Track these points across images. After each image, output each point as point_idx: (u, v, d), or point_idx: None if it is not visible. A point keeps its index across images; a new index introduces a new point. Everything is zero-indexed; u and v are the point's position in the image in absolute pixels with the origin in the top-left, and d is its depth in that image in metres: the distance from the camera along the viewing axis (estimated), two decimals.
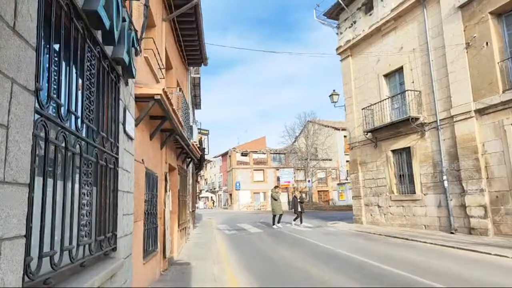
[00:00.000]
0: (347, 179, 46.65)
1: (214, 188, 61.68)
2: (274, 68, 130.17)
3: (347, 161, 47.68)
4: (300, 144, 42.51)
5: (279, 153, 47.06)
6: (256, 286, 6.18)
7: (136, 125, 5.25)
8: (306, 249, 9.94)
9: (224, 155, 53.45)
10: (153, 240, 6.47)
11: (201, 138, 13.51)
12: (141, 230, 5.44)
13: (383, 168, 15.25)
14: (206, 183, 66.97)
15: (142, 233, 5.53)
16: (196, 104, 18.69)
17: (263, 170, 46.03)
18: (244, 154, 46.15)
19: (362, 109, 15.81)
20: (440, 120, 12.34)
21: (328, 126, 45.31)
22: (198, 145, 11.93)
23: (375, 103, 15.15)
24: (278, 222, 16.66)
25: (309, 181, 39.21)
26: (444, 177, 12.09)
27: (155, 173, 6.83)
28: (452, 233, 11.68)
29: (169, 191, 7.99)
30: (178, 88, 8.32)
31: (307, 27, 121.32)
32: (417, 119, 13.09)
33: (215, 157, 58.25)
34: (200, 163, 17.44)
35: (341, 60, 17.99)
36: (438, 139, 12.46)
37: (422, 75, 13.28)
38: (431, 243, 10.07)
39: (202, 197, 63.58)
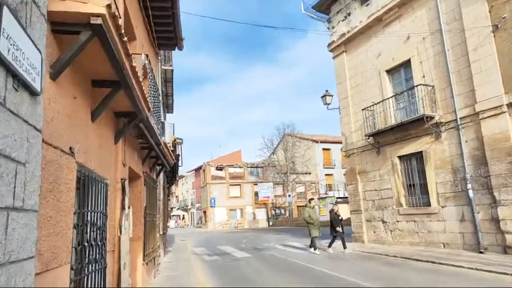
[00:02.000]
0: (326, 193, 44.92)
1: (186, 206, 58.09)
2: (244, 85, 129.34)
3: (326, 174, 46.10)
4: (279, 156, 40.38)
5: (256, 167, 44.64)
6: None
7: (54, 76, 2.72)
8: (320, 281, 7.48)
9: (198, 170, 50.40)
10: None
11: (175, 140, 10.95)
12: (63, 283, 2.83)
13: (388, 177, 13.19)
14: (178, 200, 63.21)
15: None
16: (168, 107, 16.05)
17: (239, 185, 43.35)
18: (219, 168, 43.37)
19: (363, 109, 13.80)
20: (460, 118, 10.45)
21: (307, 139, 43.60)
22: (172, 149, 9.36)
23: (378, 103, 13.18)
24: (314, 246, 12.35)
25: (289, 195, 36.93)
26: (469, 186, 10.10)
27: (104, 179, 4.24)
28: (481, 252, 9.63)
29: (128, 208, 5.36)
30: (143, 56, 5.87)
31: (279, 46, 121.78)
32: (431, 118, 11.17)
33: (188, 172, 55.00)
34: (173, 174, 14.73)
35: (333, 58, 16.06)
36: (458, 141, 10.53)
37: (435, 68, 11.45)
38: (470, 268, 7.90)
39: (173, 215, 59.65)
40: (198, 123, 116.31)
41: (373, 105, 13.29)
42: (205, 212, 43.97)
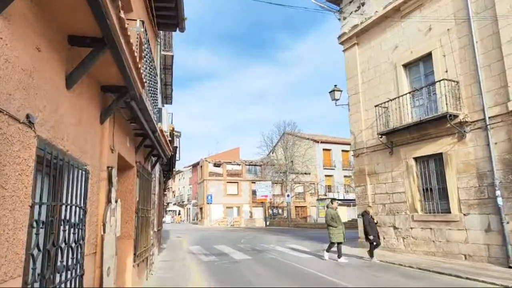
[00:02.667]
0: (326, 195, 44.03)
1: (183, 201, 57.14)
2: (244, 83, 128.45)
3: (326, 175, 45.21)
4: (278, 155, 39.45)
5: (255, 165, 43.71)
6: None
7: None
8: None
9: (195, 165, 49.42)
10: None
11: (173, 130, 9.98)
12: None
13: (402, 180, 12.28)
14: (174, 195, 62.23)
15: None
16: (167, 97, 15.07)
17: (237, 182, 42.41)
18: (217, 165, 42.40)
19: (376, 106, 12.87)
20: (489, 117, 9.53)
21: (308, 139, 42.69)
22: (170, 139, 8.40)
23: (393, 99, 12.25)
24: (339, 254, 10.69)
25: (288, 195, 36.02)
26: (497, 192, 9.19)
27: (83, 164, 3.31)
28: (510, 267, 8.73)
29: (116, 202, 4.41)
30: (139, 22, 4.91)
31: (279, 46, 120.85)
32: (455, 116, 10.25)
33: (185, 167, 54.03)
34: (170, 167, 13.77)
35: (344, 50, 15.12)
36: (486, 143, 9.62)
37: (460, 62, 10.52)
38: (506, 286, 7.00)
39: (169, 211, 58.68)
40: (196, 119, 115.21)
41: (388, 101, 12.35)
42: (201, 208, 43.03)
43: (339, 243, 10.87)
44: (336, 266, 9.85)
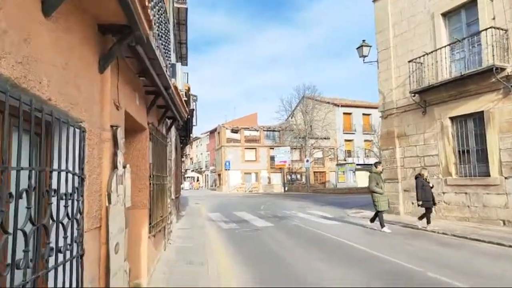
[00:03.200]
0: (345, 160, 43.24)
1: (201, 168, 57.55)
2: (260, 47, 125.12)
3: (345, 140, 44.16)
4: (297, 120, 38.46)
5: (273, 130, 42.94)
6: None
7: None
8: (368, 266, 5.96)
9: (212, 132, 49.10)
10: None
11: (188, 89, 9.24)
12: None
13: (435, 141, 11.34)
14: (192, 162, 62.73)
15: None
16: (182, 57, 14.20)
17: (255, 148, 41.96)
18: (234, 131, 41.87)
19: (409, 61, 11.71)
20: None
21: (328, 102, 41.31)
22: (185, 99, 7.70)
23: (430, 53, 11.06)
24: (382, 223, 9.49)
25: (307, 161, 35.41)
26: None
27: (76, 120, 2.66)
28: None
29: (124, 167, 3.80)
30: None
31: (295, 6, 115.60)
32: (502, 70, 9.09)
33: (202, 134, 53.89)
34: (187, 132, 13.20)
35: (374, 1, 13.71)
36: None
37: (510, 7, 9.20)
38: None
39: (187, 177, 59.42)
40: (211, 85, 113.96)
41: (423, 55, 11.16)
42: (219, 174, 43.13)
43: (381, 211, 9.64)
44: (365, 233, 9.26)
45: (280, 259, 6.54)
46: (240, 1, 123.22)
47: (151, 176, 5.51)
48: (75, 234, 2.55)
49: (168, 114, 7.09)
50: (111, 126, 3.48)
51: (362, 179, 43.32)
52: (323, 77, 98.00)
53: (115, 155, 3.50)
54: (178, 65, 7.07)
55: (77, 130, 2.69)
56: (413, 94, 11.70)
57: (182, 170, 64.05)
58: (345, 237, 8.51)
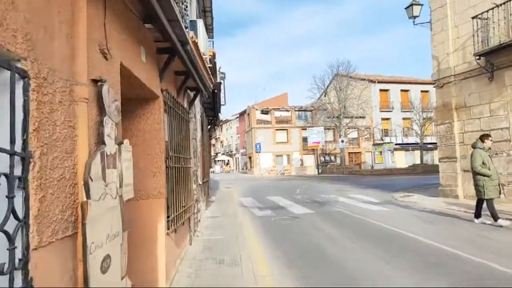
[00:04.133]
0: (382, 139, 40.90)
1: (231, 151, 56.97)
2: (290, 26, 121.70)
3: (382, 118, 41.64)
4: (331, 98, 36.45)
5: (305, 110, 41.20)
6: None
7: None
8: (454, 269, 4.61)
9: (242, 114, 48.02)
10: None
11: (213, 56, 7.97)
12: None
13: (505, 113, 9.55)
14: (222, 145, 62.33)
15: None
16: (207, 29, 12.92)
17: (286, 130, 40.50)
18: (264, 112, 40.53)
19: (473, 18, 9.83)
20: None
21: (363, 79, 38.81)
22: (210, 65, 6.50)
23: (501, 4, 9.14)
24: (495, 215, 7.08)
25: (342, 141, 33.60)
26: None
27: (14, 58, 1.46)
28: None
29: (119, 144, 2.65)
30: None
31: None
32: None
33: (232, 116, 53.01)
34: (214, 112, 12.08)
35: None
36: None
37: None
38: None
39: (218, 161, 59.18)
40: (240, 68, 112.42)
41: (493, 8, 9.25)
42: (250, 157, 42.21)
43: (489, 200, 7.20)
44: (422, 222, 7.82)
45: (330, 258, 5.30)
46: None
47: (168, 157, 4.39)
48: (18, 248, 1.45)
49: (190, 84, 5.94)
50: (93, 80, 2.33)
51: (400, 160, 40.97)
52: (357, 54, 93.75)
53: (99, 124, 2.36)
54: (200, 22, 5.83)
55: (16, 76, 1.56)
56: (477, 57, 9.85)
57: (213, 153, 63.92)
58: (403, 227, 7.12)
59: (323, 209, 10.19)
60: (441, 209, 9.40)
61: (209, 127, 15.49)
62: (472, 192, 10.53)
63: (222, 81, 17.67)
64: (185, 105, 6.03)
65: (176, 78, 5.42)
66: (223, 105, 17.54)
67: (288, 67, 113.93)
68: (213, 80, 6.91)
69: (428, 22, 11.89)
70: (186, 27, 4.27)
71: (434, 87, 11.84)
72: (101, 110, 2.37)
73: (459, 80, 10.86)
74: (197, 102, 7.74)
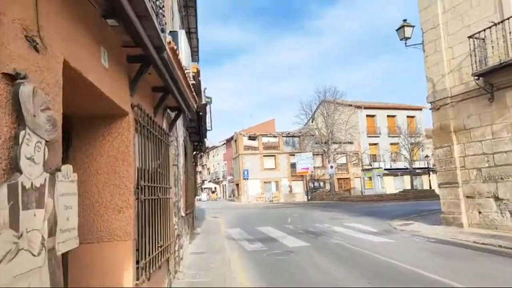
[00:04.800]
0: (371, 165, 40.56)
1: (218, 178, 55.72)
2: (275, 58, 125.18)
3: (370, 144, 41.50)
4: (318, 124, 36.17)
5: (293, 136, 40.73)
6: None
7: None
8: None
9: (229, 140, 47.27)
10: None
11: (198, 73, 7.22)
12: None
13: (509, 135, 9.04)
14: (209, 172, 61.07)
15: None
16: (192, 51, 12.35)
17: (274, 156, 39.79)
18: (252, 138, 39.89)
19: (469, 37, 9.50)
20: None
21: (350, 105, 38.85)
22: (193, 82, 5.78)
23: (499, 23, 8.84)
24: None
25: (331, 167, 33.02)
26: None
27: None
28: None
29: (55, 172, 1.82)
30: None
31: (309, 15, 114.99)
32: None
33: (219, 142, 52.21)
34: (200, 135, 11.29)
35: None
36: None
37: None
38: None
39: (204, 188, 57.73)
40: (227, 97, 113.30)
41: (490, 27, 8.94)
42: (237, 184, 41.09)
43: None
44: (433, 255, 7.01)
45: None
46: (253, 13, 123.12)
47: (139, 187, 3.53)
48: None
49: (170, 103, 5.18)
50: (5, 75, 1.53)
51: (390, 185, 40.51)
52: (341, 83, 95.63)
53: (13, 141, 1.53)
54: (182, 32, 5.13)
55: None
56: (477, 78, 9.44)
57: (199, 181, 62.44)
58: (414, 262, 6.29)
59: (319, 241, 9.29)
60: (452, 240, 8.63)
61: (194, 153, 14.63)
62: (478, 220, 9.89)
63: (208, 105, 17.02)
64: (165, 126, 5.23)
65: (153, 95, 4.65)
66: (209, 130, 16.77)
67: (275, 96, 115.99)
68: (197, 100, 6.17)
69: (420, 44, 11.59)
70: (162, 30, 3.54)
71: (430, 109, 11.36)
72: (18, 120, 1.56)
73: (456, 102, 10.42)
74: (179, 124, 6.95)
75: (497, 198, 9.38)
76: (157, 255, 4.08)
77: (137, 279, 3.28)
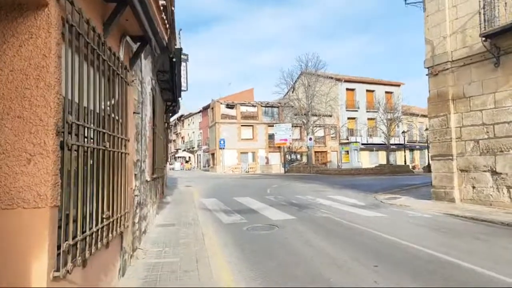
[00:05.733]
0: (348, 139, 40.30)
1: (193, 147, 54.16)
2: (255, 28, 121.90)
3: (348, 118, 41.04)
4: (299, 94, 35.07)
5: (272, 106, 39.53)
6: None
7: None
8: None
9: (206, 108, 45.53)
10: None
11: (171, 2, 5.80)
12: None
13: None
14: (183, 141, 59.34)
15: None
16: None
17: (252, 126, 38.60)
18: (229, 106, 38.37)
19: None
20: None
21: (331, 78, 37.81)
22: (163, 3, 4.42)
23: None
24: None
25: (310, 139, 32.31)
26: None
27: None
28: None
29: None
30: None
31: None
32: None
33: (196, 109, 50.35)
34: (173, 91, 9.91)
35: None
36: None
37: None
38: None
39: (178, 157, 56.17)
40: (205, 67, 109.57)
41: None
42: (213, 154, 39.84)
43: None
44: (435, 232, 6.23)
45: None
46: None
47: (67, 125, 2.26)
48: None
49: (131, 29, 3.84)
50: None
51: (365, 160, 40.55)
52: (322, 56, 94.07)
53: None
54: None
55: None
56: (484, 39, 8.49)
57: (173, 149, 60.57)
58: (417, 240, 5.46)
59: (305, 214, 8.36)
60: (444, 214, 7.92)
61: (167, 115, 13.19)
62: (471, 196, 9.25)
63: (185, 62, 15.43)
64: (122, 56, 3.89)
65: (104, 7, 3.29)
66: (184, 90, 15.32)
67: (255, 67, 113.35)
68: (168, 30, 4.80)
69: (420, 1, 10.48)
70: None
71: (426, 75, 10.41)
72: None
73: (457, 67, 9.51)
74: (146, 66, 5.58)
75: (494, 172, 8.72)
76: (100, 230, 2.88)
77: (57, 269, 2.08)
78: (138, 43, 4.39)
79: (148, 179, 6.00)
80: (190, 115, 54.04)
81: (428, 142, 10.66)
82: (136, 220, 4.84)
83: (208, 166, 43.44)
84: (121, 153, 3.66)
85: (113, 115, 3.51)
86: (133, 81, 4.37)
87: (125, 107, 3.89)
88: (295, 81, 36.42)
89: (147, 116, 5.93)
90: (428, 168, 32.42)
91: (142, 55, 5.22)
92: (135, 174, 4.70)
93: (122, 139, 3.70)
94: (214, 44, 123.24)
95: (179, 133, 61.54)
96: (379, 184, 17.02)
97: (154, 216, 7.33)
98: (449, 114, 9.70)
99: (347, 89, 41.37)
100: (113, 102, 3.53)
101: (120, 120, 3.69)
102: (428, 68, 10.32)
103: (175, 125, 61.73)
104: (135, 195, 4.68)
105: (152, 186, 7.01)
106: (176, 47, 7.05)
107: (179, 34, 8.59)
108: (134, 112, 4.45)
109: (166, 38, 4.62)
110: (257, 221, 7.41)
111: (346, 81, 40.88)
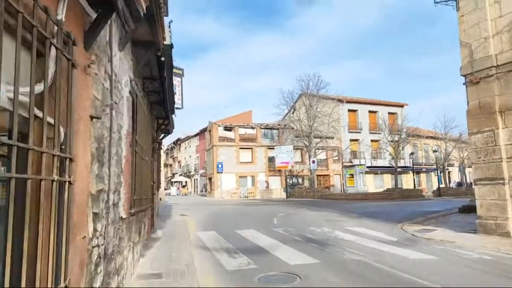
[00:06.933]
0: (351, 161, 38.69)
1: (189, 172, 52.29)
2: (250, 53, 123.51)
3: (351, 140, 39.54)
4: (300, 115, 33.69)
5: (271, 128, 38.05)
6: None
7: None
8: None
9: (203, 131, 44.02)
10: None
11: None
12: None
13: None
14: (180, 166, 57.50)
15: None
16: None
17: (251, 148, 36.95)
18: (228, 129, 36.86)
19: None
20: None
21: (333, 99, 36.56)
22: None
23: None
24: None
25: (313, 162, 30.65)
26: None
27: None
28: None
29: None
30: None
31: (286, 13, 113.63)
32: None
33: (194, 134, 48.84)
34: (165, 105, 8.34)
35: None
36: None
37: None
38: None
39: (175, 182, 54.20)
40: (202, 90, 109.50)
41: None
42: (210, 178, 37.95)
43: None
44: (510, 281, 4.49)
45: None
46: (229, 7, 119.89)
47: None
48: None
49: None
50: None
51: (370, 183, 38.73)
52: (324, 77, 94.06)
53: None
54: None
55: None
56: None
57: (169, 174, 58.56)
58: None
59: (329, 255, 6.58)
60: (506, 256, 6.19)
61: (158, 134, 11.56)
62: None
63: (180, 77, 13.97)
64: (62, 17, 2.29)
65: None
66: (179, 108, 13.79)
67: (252, 92, 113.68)
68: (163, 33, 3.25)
69: (452, 0, 9.14)
70: None
71: (463, 84, 8.93)
72: None
73: (505, 72, 8.03)
74: (124, 65, 3.98)
75: None
76: None
77: None
78: (100, 10, 2.80)
79: (124, 216, 4.28)
80: (187, 138, 52.57)
81: (467, 163, 9.04)
82: (97, 284, 3.11)
83: (206, 191, 41.45)
84: (58, 181, 1.99)
85: (41, 115, 1.89)
86: (90, 66, 2.75)
87: (69, 103, 2.25)
88: (296, 101, 35.16)
89: (123, 129, 4.28)
90: (438, 192, 30.77)
91: (115, 41, 3.64)
92: (95, 213, 3.00)
93: (59, 157, 2.04)
94: (210, 69, 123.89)
95: (176, 157, 59.83)
96: (398, 211, 15.27)
97: (136, 261, 5.54)
98: (496, 129, 8.12)
99: (349, 110, 40.22)
100: (41, 90, 1.92)
101: (58, 125, 2.06)
102: (465, 75, 8.84)
103: (172, 149, 60.12)
104: (93, 246, 2.97)
105: (133, 222, 5.27)
106: (165, 43, 5.50)
107: (169, 26, 7.08)
108: (91, 116, 2.80)
109: (143, 4, 3.06)
110: (270, 267, 5.63)
111: (348, 101, 39.74)
